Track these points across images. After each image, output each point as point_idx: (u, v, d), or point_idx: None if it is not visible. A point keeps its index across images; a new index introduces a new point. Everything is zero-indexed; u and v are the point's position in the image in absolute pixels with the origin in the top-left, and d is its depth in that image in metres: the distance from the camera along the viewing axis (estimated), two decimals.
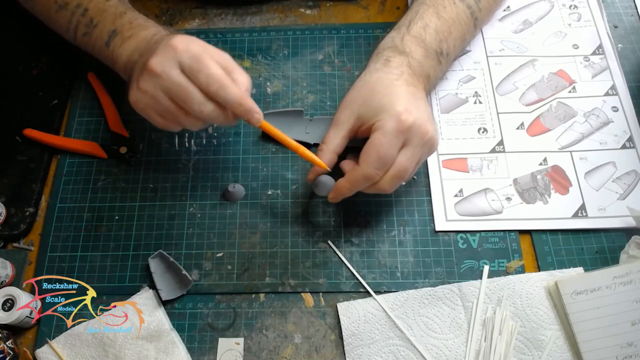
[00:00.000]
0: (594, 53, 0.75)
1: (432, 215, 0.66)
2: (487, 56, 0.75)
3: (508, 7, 0.79)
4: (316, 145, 0.70)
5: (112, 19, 0.63)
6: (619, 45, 0.76)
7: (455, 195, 0.67)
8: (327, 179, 0.61)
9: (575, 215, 0.65)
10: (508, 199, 0.66)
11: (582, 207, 0.65)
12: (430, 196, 0.67)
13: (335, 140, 0.59)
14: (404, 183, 0.59)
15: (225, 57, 0.56)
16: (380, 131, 0.56)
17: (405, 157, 0.56)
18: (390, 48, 0.63)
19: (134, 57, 0.60)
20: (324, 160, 0.59)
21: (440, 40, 0.65)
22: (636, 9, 0.78)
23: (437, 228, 0.65)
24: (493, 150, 0.69)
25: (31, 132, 0.71)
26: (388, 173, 0.56)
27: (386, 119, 0.56)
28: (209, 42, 0.76)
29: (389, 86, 0.58)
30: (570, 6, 0.79)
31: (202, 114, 0.54)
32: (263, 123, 0.58)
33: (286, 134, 0.69)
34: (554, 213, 0.65)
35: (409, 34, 0.64)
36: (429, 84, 0.65)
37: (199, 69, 0.53)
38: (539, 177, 0.67)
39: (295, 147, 0.59)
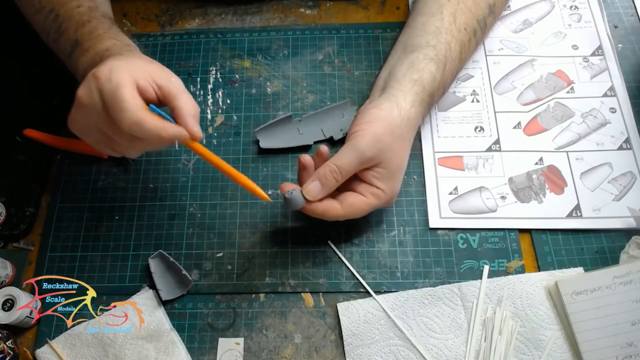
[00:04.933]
0: (593, 54, 0.75)
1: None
2: (486, 55, 0.75)
3: (508, 6, 0.79)
4: (314, 144, 0.70)
5: (75, 28, 0.61)
6: (619, 45, 0.76)
7: (450, 193, 0.67)
8: (297, 196, 0.57)
9: (570, 215, 0.65)
10: (503, 197, 0.66)
11: (577, 207, 0.65)
12: (426, 194, 0.67)
13: (350, 168, 0.58)
14: None
15: (167, 79, 0.54)
16: (376, 199, 0.59)
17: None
18: (425, 89, 0.62)
19: (88, 71, 0.57)
20: (328, 185, 0.58)
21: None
22: (636, 9, 0.78)
23: (431, 225, 0.65)
24: (489, 149, 0.69)
25: (31, 132, 0.71)
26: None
27: (387, 192, 0.59)
28: (209, 42, 0.78)
29: (403, 148, 0.60)
30: (571, 7, 0.79)
31: (131, 148, 0.54)
32: (196, 145, 0.55)
33: (282, 143, 0.70)
34: (548, 212, 0.65)
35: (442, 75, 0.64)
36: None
37: (113, 104, 0.50)
38: (534, 176, 0.67)
39: (235, 175, 0.56)
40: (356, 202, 0.58)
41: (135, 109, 0.50)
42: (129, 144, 0.54)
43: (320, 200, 0.58)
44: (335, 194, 0.60)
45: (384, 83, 0.64)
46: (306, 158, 0.58)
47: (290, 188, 0.58)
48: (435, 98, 0.65)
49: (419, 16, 0.67)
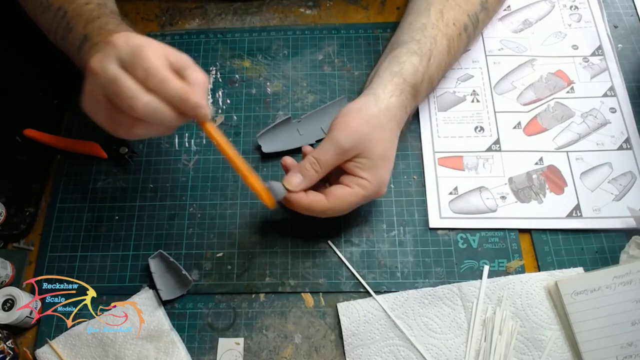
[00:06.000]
0: (593, 54, 0.75)
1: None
2: (485, 55, 0.75)
3: (508, 6, 0.79)
4: (316, 142, 0.70)
5: (84, 24, 0.61)
6: (619, 45, 0.76)
7: (450, 193, 0.67)
8: (278, 186, 0.58)
9: (570, 215, 0.65)
10: (503, 197, 0.66)
11: (577, 207, 0.65)
12: (425, 194, 0.68)
13: (327, 158, 0.59)
14: None
15: (177, 54, 0.52)
16: (362, 189, 0.59)
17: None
18: (406, 81, 0.63)
19: None
20: (309, 178, 0.59)
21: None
22: (636, 9, 0.78)
23: (431, 225, 0.65)
24: (489, 149, 0.69)
25: (31, 132, 0.71)
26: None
27: (372, 181, 0.59)
28: (208, 42, 0.78)
29: (384, 138, 0.60)
30: (571, 7, 0.79)
31: (136, 108, 0.48)
32: (207, 126, 0.53)
33: (284, 145, 0.69)
34: (548, 212, 0.65)
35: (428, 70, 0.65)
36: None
37: (136, 62, 0.48)
38: (534, 176, 0.67)
39: (244, 173, 0.56)
40: (342, 194, 0.59)
41: (160, 66, 0.49)
42: (133, 124, 0.51)
43: (306, 192, 0.59)
44: (324, 189, 0.60)
45: (371, 79, 0.65)
46: (287, 160, 0.61)
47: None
48: (420, 90, 0.65)
49: (408, 16, 0.69)
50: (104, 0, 0.64)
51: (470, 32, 0.69)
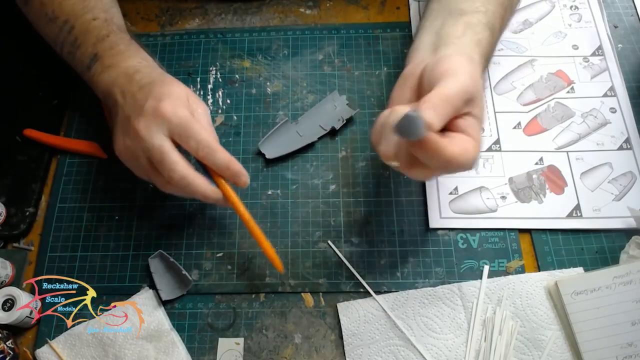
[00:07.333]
0: (593, 54, 0.75)
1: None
2: None
3: None
4: (311, 144, 0.70)
5: (93, 42, 0.62)
6: (619, 45, 0.76)
7: (450, 193, 0.67)
8: (417, 121, 0.41)
9: (570, 216, 0.65)
10: (503, 197, 0.66)
11: (577, 208, 0.65)
12: (425, 194, 0.67)
13: (457, 102, 0.46)
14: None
15: (195, 100, 0.59)
16: (477, 148, 0.48)
17: None
18: (483, 55, 0.55)
19: (114, 91, 0.59)
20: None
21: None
22: (636, 9, 0.78)
23: (431, 225, 0.65)
24: (489, 149, 0.69)
25: (31, 132, 0.71)
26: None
27: (478, 146, 0.48)
28: (209, 42, 0.79)
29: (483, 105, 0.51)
30: (571, 7, 0.79)
31: (173, 179, 0.55)
32: (229, 190, 0.59)
33: (286, 149, 0.69)
34: (548, 212, 0.65)
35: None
36: None
37: (189, 135, 0.55)
38: (534, 176, 0.67)
39: (259, 238, 0.60)
40: (469, 147, 0.46)
41: (209, 139, 0.56)
42: (167, 185, 0.57)
43: (442, 134, 0.46)
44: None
45: (434, 46, 0.55)
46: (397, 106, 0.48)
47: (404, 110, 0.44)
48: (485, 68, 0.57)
49: None
50: (110, 15, 0.65)
51: (512, 9, 0.64)
